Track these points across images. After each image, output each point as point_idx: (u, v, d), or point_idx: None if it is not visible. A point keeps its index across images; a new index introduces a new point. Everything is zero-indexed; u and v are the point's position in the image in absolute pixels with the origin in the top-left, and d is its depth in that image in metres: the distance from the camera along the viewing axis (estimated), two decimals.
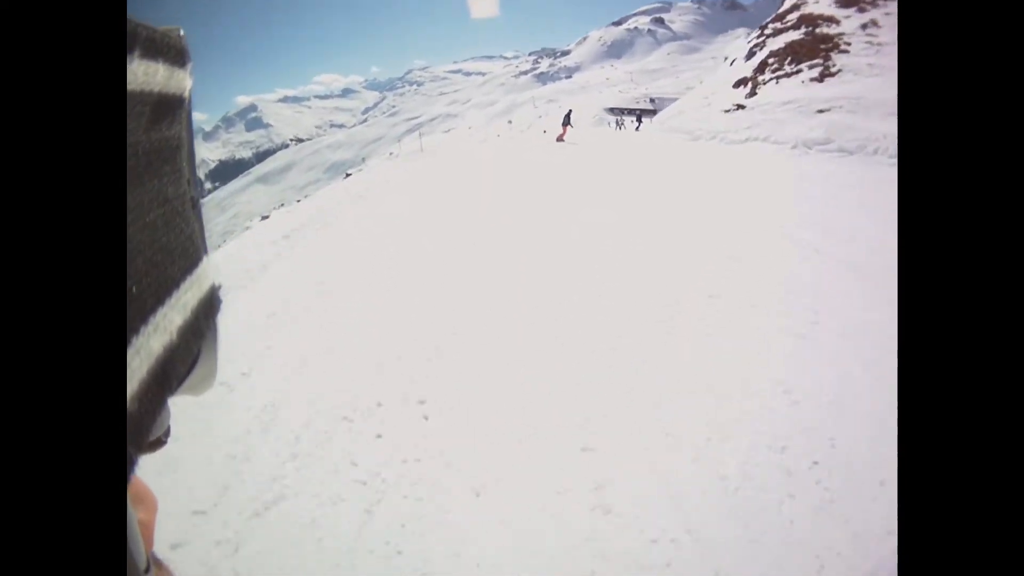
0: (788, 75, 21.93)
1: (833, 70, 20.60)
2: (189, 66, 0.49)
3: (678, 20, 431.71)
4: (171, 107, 0.46)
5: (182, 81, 0.48)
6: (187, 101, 0.49)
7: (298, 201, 22.56)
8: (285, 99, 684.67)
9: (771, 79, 22.64)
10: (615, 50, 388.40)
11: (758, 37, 28.55)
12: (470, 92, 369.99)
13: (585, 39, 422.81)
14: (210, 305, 0.50)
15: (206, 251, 0.52)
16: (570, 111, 29.89)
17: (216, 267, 0.53)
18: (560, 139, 27.04)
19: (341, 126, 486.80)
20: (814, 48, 22.43)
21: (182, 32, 0.48)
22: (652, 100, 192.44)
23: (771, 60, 24.10)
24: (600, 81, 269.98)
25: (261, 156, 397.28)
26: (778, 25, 27.99)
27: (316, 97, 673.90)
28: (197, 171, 0.54)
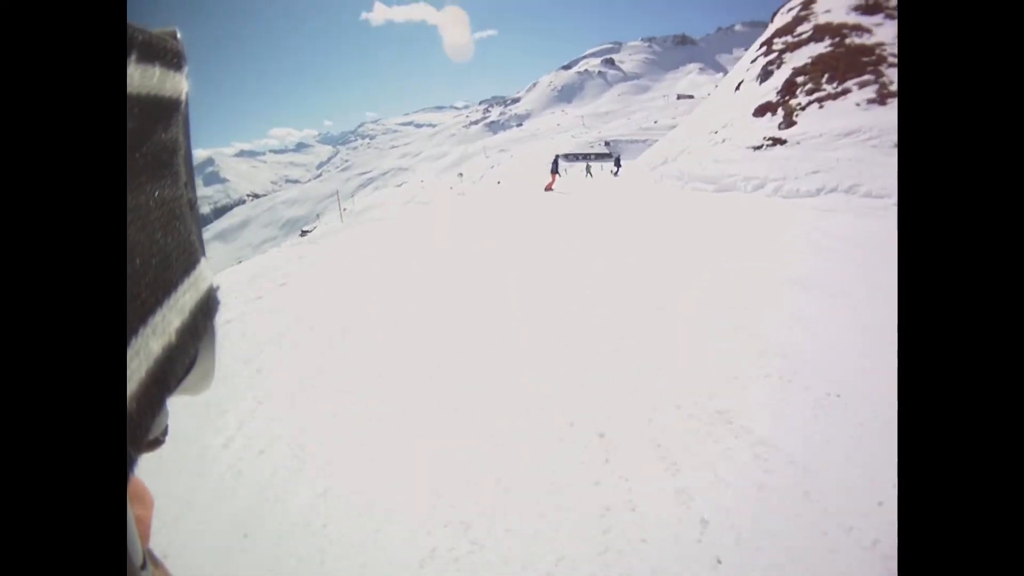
0: (832, 96, 16.33)
1: (892, 87, 15.25)
2: (185, 69, 0.49)
3: (628, 60, 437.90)
4: (168, 110, 0.46)
5: (179, 84, 0.48)
6: (184, 104, 0.49)
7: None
8: (241, 153, 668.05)
9: (810, 102, 17.01)
10: (566, 94, 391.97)
11: (766, 54, 22.88)
12: (421, 144, 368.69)
13: (535, 85, 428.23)
14: (208, 306, 0.50)
15: (203, 253, 0.53)
16: (557, 157, 28.05)
17: (213, 269, 0.54)
18: (549, 188, 24.85)
19: (296, 181, 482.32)
20: (854, 62, 16.95)
21: (178, 34, 0.49)
22: (607, 143, 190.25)
23: (801, 79, 18.41)
24: (551, 127, 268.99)
25: (219, 212, 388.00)
26: (789, 39, 22.50)
27: (271, 151, 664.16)
28: (194, 173, 0.55)
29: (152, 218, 0.43)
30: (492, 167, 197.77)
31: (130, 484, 0.52)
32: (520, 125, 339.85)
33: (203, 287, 0.50)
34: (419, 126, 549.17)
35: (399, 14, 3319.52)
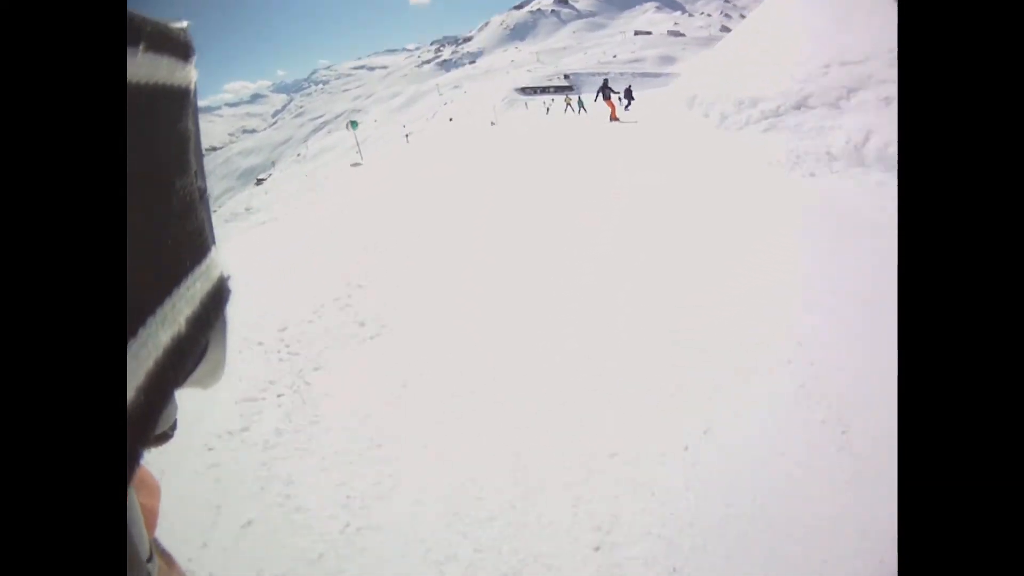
0: None
1: None
2: (193, 59, 0.49)
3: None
4: (177, 100, 0.46)
5: (187, 74, 0.48)
6: (192, 94, 0.49)
7: None
8: None
9: None
10: (518, 32, 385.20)
11: None
12: (373, 86, 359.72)
13: (487, 24, 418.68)
14: (219, 296, 0.50)
15: (214, 242, 0.52)
16: (606, 80, 24.04)
17: (224, 258, 0.53)
18: (613, 118, 21.18)
19: (253, 131, 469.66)
20: None
21: (186, 26, 0.48)
22: (567, 76, 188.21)
23: None
24: (505, 64, 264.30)
25: None
26: None
27: (227, 105, 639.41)
28: (203, 162, 0.54)
29: (162, 208, 0.43)
30: (445, 104, 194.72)
31: (138, 474, 0.51)
32: (473, 62, 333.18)
33: (214, 276, 0.49)
34: (371, 69, 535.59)
35: None
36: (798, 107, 10.07)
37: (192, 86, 0.49)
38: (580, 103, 38.50)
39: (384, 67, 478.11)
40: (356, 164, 20.30)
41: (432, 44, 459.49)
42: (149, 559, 0.51)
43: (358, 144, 31.80)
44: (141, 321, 0.38)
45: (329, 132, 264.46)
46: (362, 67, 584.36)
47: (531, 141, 19.68)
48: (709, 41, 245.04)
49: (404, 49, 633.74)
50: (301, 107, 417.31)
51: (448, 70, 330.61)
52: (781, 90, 10.73)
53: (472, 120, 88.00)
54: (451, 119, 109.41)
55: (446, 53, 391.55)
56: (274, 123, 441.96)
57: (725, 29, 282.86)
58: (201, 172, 0.51)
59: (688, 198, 7.49)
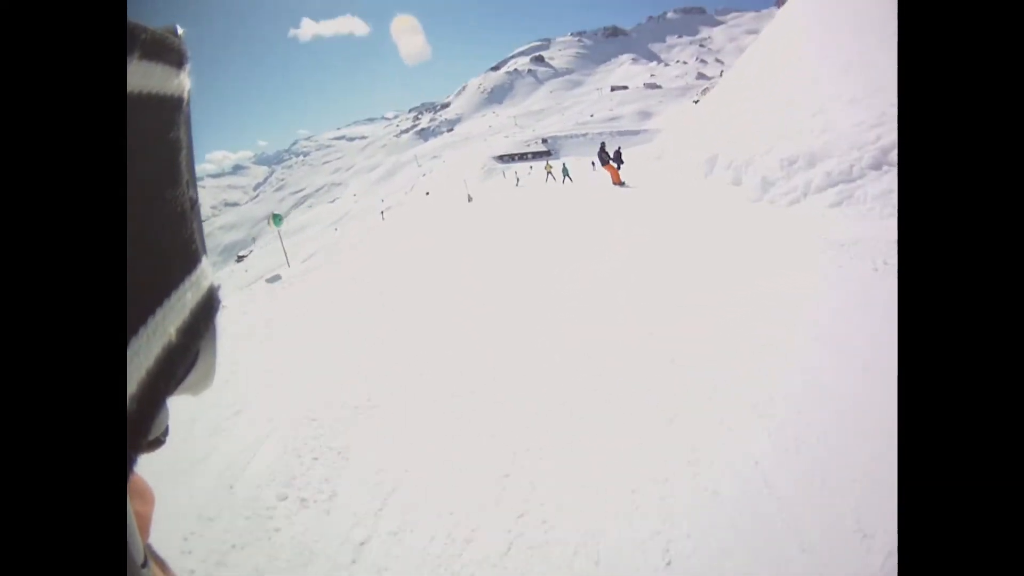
0: None
1: None
2: (187, 67, 0.49)
3: (558, 56, 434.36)
4: (170, 108, 0.46)
5: (181, 82, 0.48)
6: (186, 102, 0.49)
7: None
8: None
9: None
10: (496, 96, 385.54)
11: None
12: (352, 158, 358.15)
13: (464, 89, 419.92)
14: (209, 306, 0.50)
15: (204, 252, 0.53)
16: (603, 144, 24.18)
17: (213, 268, 0.54)
18: (616, 182, 20.90)
19: (235, 204, 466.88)
20: None
21: (180, 32, 0.49)
22: (545, 140, 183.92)
23: None
24: (483, 130, 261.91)
25: None
26: None
27: (209, 176, 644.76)
28: (196, 172, 0.55)
29: (154, 217, 0.43)
30: (424, 175, 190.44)
31: (131, 480, 0.52)
32: (451, 130, 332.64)
33: (204, 286, 0.49)
34: (351, 139, 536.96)
35: (327, 28, 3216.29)
36: (878, 165, 7.53)
37: (186, 95, 0.49)
38: (565, 171, 34.68)
39: (363, 137, 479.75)
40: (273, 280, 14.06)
41: (410, 111, 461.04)
42: (144, 564, 0.50)
43: (283, 246, 24.31)
44: (133, 331, 0.38)
45: (310, 207, 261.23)
46: (342, 137, 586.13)
47: (510, 222, 17.16)
48: (686, 91, 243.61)
49: (383, 117, 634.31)
50: (282, 180, 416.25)
51: (426, 139, 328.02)
52: (851, 142, 8.14)
53: (448, 193, 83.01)
54: (428, 192, 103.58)
55: (424, 121, 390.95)
56: (255, 196, 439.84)
57: (702, 76, 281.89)
58: (193, 182, 0.51)
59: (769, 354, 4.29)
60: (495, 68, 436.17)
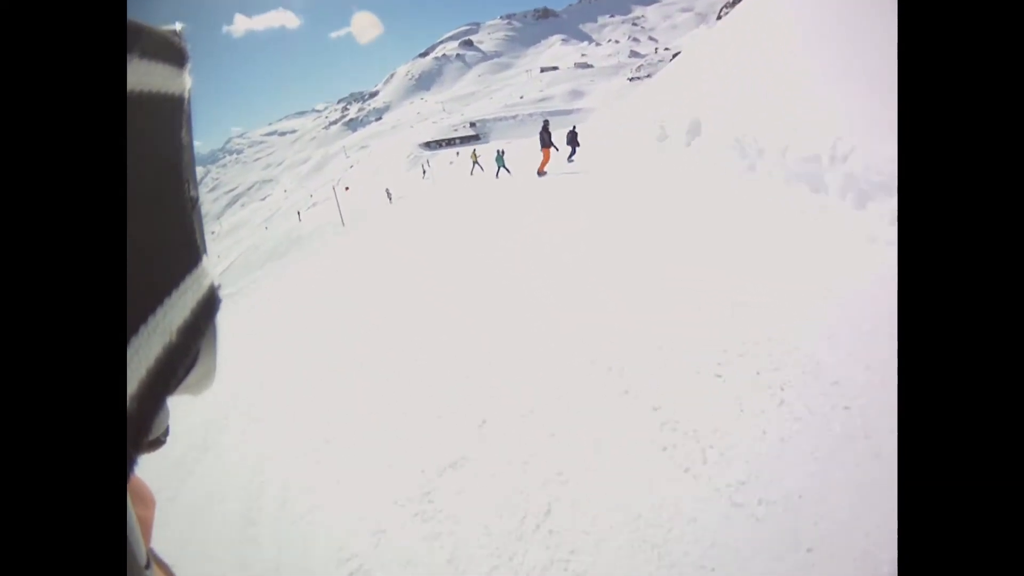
0: None
1: None
2: (188, 66, 0.49)
3: (487, 39, 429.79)
4: (171, 107, 0.47)
5: (182, 81, 0.48)
6: (186, 102, 0.49)
7: None
8: None
9: None
10: (424, 82, 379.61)
11: None
12: (283, 153, 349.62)
13: (392, 76, 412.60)
14: (209, 304, 0.50)
15: (205, 251, 0.53)
16: (546, 123, 20.50)
17: (214, 267, 0.53)
18: (541, 171, 18.55)
19: None
20: None
21: (180, 31, 0.49)
22: (473, 124, 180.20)
23: None
24: (411, 117, 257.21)
25: None
26: None
27: None
28: (196, 171, 0.54)
29: (154, 216, 0.43)
30: (351, 167, 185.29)
31: (131, 484, 0.53)
32: (379, 119, 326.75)
33: (205, 285, 0.50)
34: (283, 134, 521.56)
35: (259, 23, 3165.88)
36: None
37: (186, 94, 0.49)
38: (499, 159, 25.24)
39: (294, 131, 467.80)
40: None
41: (339, 102, 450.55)
42: (147, 566, 0.51)
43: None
44: (133, 330, 0.38)
45: (243, 205, 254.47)
46: (274, 132, 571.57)
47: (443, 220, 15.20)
48: (618, 69, 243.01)
49: (313, 110, 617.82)
50: (216, 179, 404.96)
51: (355, 129, 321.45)
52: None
53: (373, 186, 78.21)
54: (347, 188, 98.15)
55: (353, 111, 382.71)
56: None
57: (635, 54, 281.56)
58: (193, 181, 0.52)
59: None
60: (423, 54, 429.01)
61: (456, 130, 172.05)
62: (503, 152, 26.20)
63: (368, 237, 17.57)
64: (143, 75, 0.41)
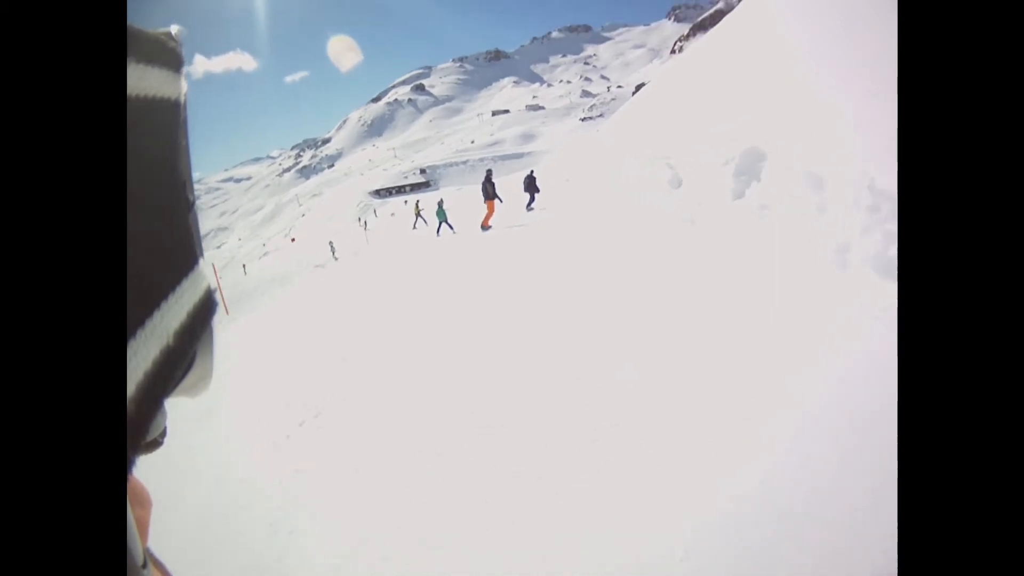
0: None
1: None
2: (184, 69, 0.49)
3: (439, 83, 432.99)
4: (168, 111, 0.47)
5: (178, 85, 0.48)
6: (182, 105, 0.49)
7: None
8: None
9: None
10: (376, 128, 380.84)
11: None
12: (237, 200, 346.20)
13: (345, 122, 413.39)
14: (206, 308, 0.50)
15: (201, 254, 0.53)
16: (489, 172, 19.21)
17: (210, 270, 0.44)
18: (485, 224, 17.41)
19: None
20: None
21: (176, 35, 0.49)
22: (423, 171, 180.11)
23: None
24: (363, 164, 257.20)
25: None
26: None
27: None
28: (192, 174, 0.55)
29: (152, 219, 0.43)
30: (303, 215, 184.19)
31: (129, 485, 0.53)
32: (332, 166, 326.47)
33: (201, 288, 0.50)
34: (238, 181, 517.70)
35: (217, 65, 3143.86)
36: None
37: (183, 97, 0.49)
38: (441, 212, 21.55)
39: (249, 178, 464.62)
40: None
41: (292, 148, 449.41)
42: (144, 565, 0.51)
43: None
44: (131, 333, 0.39)
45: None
46: (229, 179, 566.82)
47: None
48: (570, 110, 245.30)
49: (268, 156, 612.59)
50: None
51: (308, 176, 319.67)
52: None
53: (319, 238, 77.43)
54: (293, 239, 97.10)
55: (306, 158, 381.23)
56: None
57: (587, 93, 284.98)
58: (190, 184, 0.52)
59: None
60: (375, 99, 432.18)
61: (406, 177, 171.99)
62: (443, 206, 23.38)
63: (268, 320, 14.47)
64: (140, 79, 0.42)
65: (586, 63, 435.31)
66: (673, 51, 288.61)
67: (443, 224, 21.19)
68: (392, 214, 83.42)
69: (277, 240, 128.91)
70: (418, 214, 33.22)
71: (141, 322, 0.40)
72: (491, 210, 17.64)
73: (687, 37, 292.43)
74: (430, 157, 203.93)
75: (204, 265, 0.52)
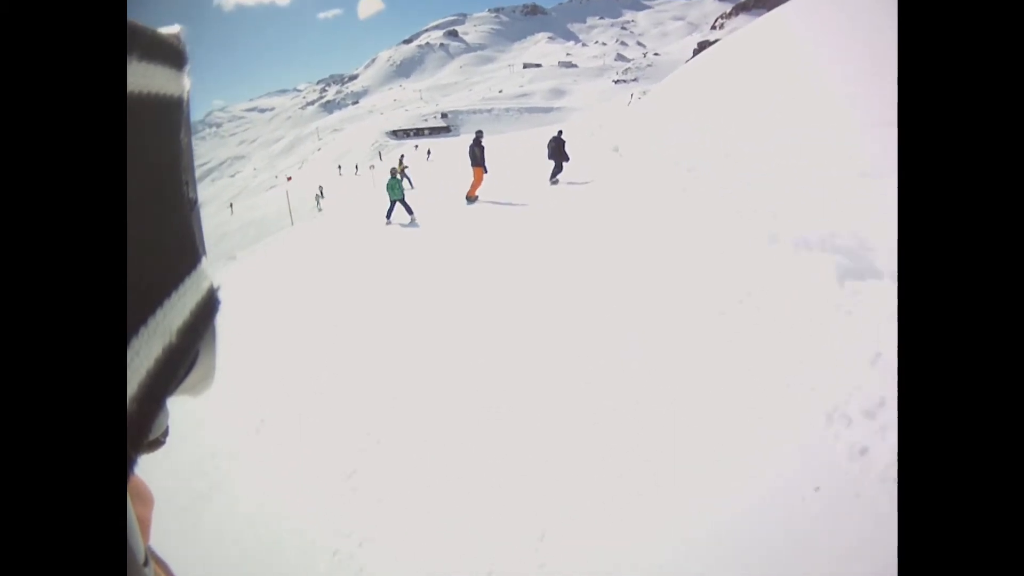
0: None
1: None
2: (187, 67, 0.49)
3: (473, 31, 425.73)
4: (171, 110, 0.46)
5: (181, 83, 0.48)
6: (185, 103, 0.49)
7: None
8: None
9: None
10: (404, 69, 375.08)
11: None
12: (259, 130, 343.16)
13: (373, 61, 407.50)
14: (209, 306, 0.50)
15: (204, 252, 0.53)
16: (479, 136, 16.34)
17: (214, 268, 0.54)
18: (471, 195, 15.04)
19: None
20: None
21: (180, 33, 0.49)
22: (444, 115, 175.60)
23: None
24: (388, 103, 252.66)
25: None
26: None
27: None
28: (195, 173, 0.54)
29: (154, 218, 0.43)
30: (319, 149, 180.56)
31: (130, 484, 0.52)
32: (356, 103, 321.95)
33: (204, 287, 0.50)
34: (262, 111, 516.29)
35: None
36: None
37: (185, 95, 0.49)
38: (395, 185, 15.23)
39: (273, 108, 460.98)
40: None
41: (318, 83, 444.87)
42: (145, 564, 0.53)
43: None
44: (133, 331, 0.39)
45: (213, 181, 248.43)
46: (254, 109, 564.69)
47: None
48: (603, 71, 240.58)
49: (295, 89, 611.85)
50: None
51: (331, 111, 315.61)
52: None
53: (321, 178, 73.58)
54: (290, 178, 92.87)
55: (331, 93, 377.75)
56: None
57: (621, 58, 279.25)
58: (193, 182, 0.52)
59: None
60: (407, 41, 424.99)
61: (426, 120, 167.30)
62: (401, 171, 18.36)
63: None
64: (143, 77, 0.41)
65: (623, 28, 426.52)
66: (714, 27, 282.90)
67: (396, 204, 15.25)
68: (371, 166, 79.01)
69: (290, 172, 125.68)
70: (402, 172, 22.44)
71: (144, 320, 0.40)
72: (478, 179, 15.43)
73: (730, 15, 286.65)
74: (456, 102, 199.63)
75: (206, 263, 0.52)
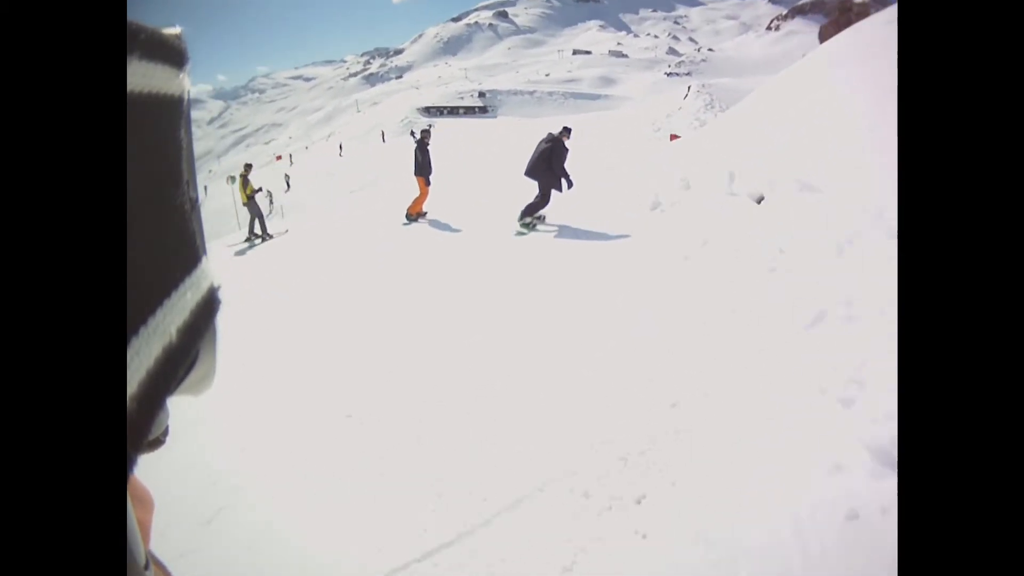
0: None
1: None
2: (187, 67, 0.49)
3: (523, 14, 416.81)
4: (170, 109, 0.46)
5: (181, 82, 0.48)
6: (186, 103, 0.49)
7: None
8: None
9: None
10: (451, 47, 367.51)
11: None
12: (298, 98, 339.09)
13: (420, 36, 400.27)
14: (209, 306, 0.50)
15: (205, 252, 0.53)
16: (424, 135, 13.90)
17: (215, 268, 0.54)
18: (412, 212, 13.05)
19: None
20: None
21: (180, 33, 0.49)
22: (482, 95, 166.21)
23: None
24: (432, 80, 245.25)
25: None
26: None
27: None
28: (196, 172, 0.55)
29: (154, 217, 0.43)
30: (348, 123, 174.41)
31: (130, 486, 0.52)
32: (400, 77, 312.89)
33: (204, 286, 0.49)
34: (307, 80, 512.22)
35: None
36: None
37: (185, 95, 0.49)
38: (251, 202, 14.05)
39: (316, 78, 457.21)
40: None
41: (363, 55, 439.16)
42: (146, 567, 0.52)
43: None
44: (133, 331, 0.39)
45: (248, 147, 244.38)
46: (299, 77, 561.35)
47: None
48: (654, 64, 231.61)
49: (341, 60, 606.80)
50: (230, 117, 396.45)
51: (373, 84, 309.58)
52: None
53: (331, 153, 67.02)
54: (279, 157, 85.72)
55: (374, 66, 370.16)
56: (199, 137, 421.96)
57: (673, 51, 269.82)
58: (193, 182, 0.52)
59: None
60: (456, 19, 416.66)
61: (462, 98, 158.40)
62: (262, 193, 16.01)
63: None
64: (143, 76, 0.41)
65: (676, 22, 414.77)
66: (769, 28, 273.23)
67: (255, 221, 14.67)
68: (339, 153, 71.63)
69: (320, 144, 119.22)
70: (252, 189, 15.67)
71: (144, 320, 0.40)
72: (423, 192, 13.08)
73: (785, 18, 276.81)
74: (500, 83, 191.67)
75: (207, 263, 0.51)
